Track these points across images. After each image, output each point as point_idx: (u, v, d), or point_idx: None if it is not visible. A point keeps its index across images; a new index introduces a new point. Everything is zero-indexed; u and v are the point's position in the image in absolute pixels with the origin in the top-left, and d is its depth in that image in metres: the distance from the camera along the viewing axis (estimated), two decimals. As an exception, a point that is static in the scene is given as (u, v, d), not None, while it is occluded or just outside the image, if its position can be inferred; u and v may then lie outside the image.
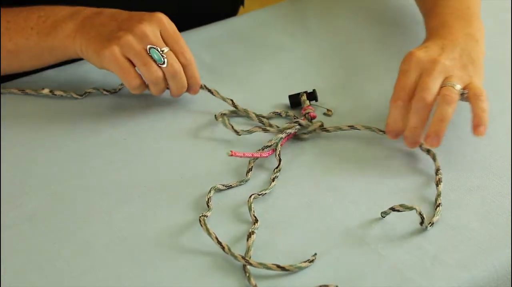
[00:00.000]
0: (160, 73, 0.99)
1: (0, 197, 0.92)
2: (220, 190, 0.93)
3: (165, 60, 0.99)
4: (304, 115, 1.02)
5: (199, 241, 0.86)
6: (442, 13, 1.05)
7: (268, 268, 0.82)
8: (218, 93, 1.05)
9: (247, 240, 0.85)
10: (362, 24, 1.22)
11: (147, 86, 1.01)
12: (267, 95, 1.07)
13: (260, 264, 0.82)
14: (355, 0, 1.27)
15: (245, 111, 1.03)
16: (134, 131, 1.02)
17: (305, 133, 1.00)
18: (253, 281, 0.81)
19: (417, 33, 1.15)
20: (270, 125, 1.01)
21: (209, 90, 1.05)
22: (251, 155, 0.95)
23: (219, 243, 0.85)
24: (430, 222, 0.87)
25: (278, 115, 1.03)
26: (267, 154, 0.96)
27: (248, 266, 0.83)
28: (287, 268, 0.82)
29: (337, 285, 0.80)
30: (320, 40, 1.19)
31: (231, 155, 0.92)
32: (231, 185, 0.93)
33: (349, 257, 0.84)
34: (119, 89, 1.07)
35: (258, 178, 0.95)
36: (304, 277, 0.82)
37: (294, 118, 1.01)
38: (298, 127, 0.99)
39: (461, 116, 0.98)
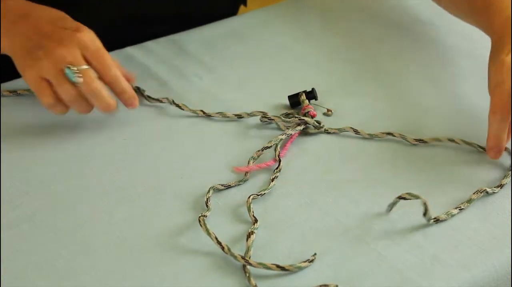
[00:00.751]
0: (72, 93, 0.97)
1: (0, 197, 0.92)
2: (219, 190, 0.93)
3: (77, 79, 0.97)
4: (304, 114, 1.02)
5: (199, 241, 0.86)
6: (503, 8, 1.00)
7: (267, 268, 0.82)
8: (186, 106, 1.04)
9: (247, 240, 0.85)
10: (362, 24, 1.22)
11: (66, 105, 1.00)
12: (267, 95, 1.07)
13: (260, 264, 0.82)
14: (355, 0, 1.27)
15: (221, 114, 1.03)
16: (134, 131, 1.02)
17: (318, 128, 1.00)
18: (253, 281, 0.81)
19: (417, 33, 1.15)
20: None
21: (177, 105, 1.04)
22: (257, 167, 0.95)
23: (219, 243, 0.85)
24: (435, 218, 0.87)
25: (285, 115, 1.03)
26: (272, 163, 0.96)
27: (248, 266, 0.83)
28: (286, 268, 0.82)
29: (337, 285, 0.80)
30: (320, 40, 1.19)
31: (238, 172, 0.92)
32: (230, 185, 0.93)
33: (349, 257, 0.84)
34: None
35: (258, 178, 0.95)
36: (304, 277, 0.82)
37: (299, 119, 1.01)
38: (300, 128, 1.00)
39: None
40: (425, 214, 0.86)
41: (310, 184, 0.94)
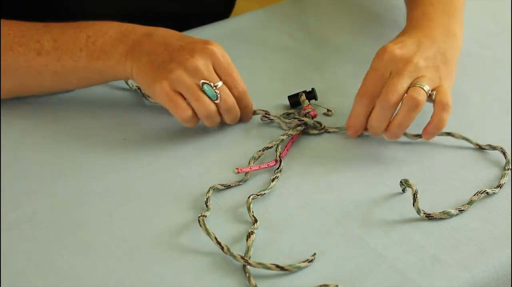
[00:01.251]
0: (213, 108, 0.96)
1: (0, 198, 0.92)
2: (219, 190, 0.93)
3: (219, 95, 0.96)
4: (305, 115, 1.02)
5: (199, 241, 0.86)
6: (424, 3, 1.04)
7: (267, 268, 0.82)
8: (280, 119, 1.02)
9: (247, 240, 0.85)
10: (362, 24, 1.22)
11: (199, 119, 0.98)
12: (267, 95, 1.07)
13: (259, 264, 0.82)
14: (355, 0, 1.27)
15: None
16: (134, 131, 1.02)
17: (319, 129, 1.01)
18: (253, 281, 0.81)
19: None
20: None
21: (270, 119, 1.03)
22: (258, 167, 0.95)
23: (218, 243, 0.85)
24: (428, 215, 0.88)
25: (287, 115, 1.03)
26: (273, 163, 0.96)
27: (248, 266, 0.83)
28: (286, 268, 0.82)
29: (337, 285, 0.80)
30: (320, 40, 1.19)
31: (238, 173, 0.92)
32: (229, 185, 0.93)
33: (349, 257, 0.84)
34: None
35: (258, 178, 0.95)
36: (304, 277, 0.82)
37: (298, 120, 1.01)
38: (300, 129, 1.00)
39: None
40: (413, 204, 0.87)
41: (310, 184, 0.93)
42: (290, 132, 0.99)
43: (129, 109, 1.04)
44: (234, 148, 0.99)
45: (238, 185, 0.94)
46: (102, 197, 0.92)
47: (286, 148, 0.98)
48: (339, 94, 1.07)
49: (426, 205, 0.89)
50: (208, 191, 0.91)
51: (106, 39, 0.99)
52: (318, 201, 0.91)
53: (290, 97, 1.05)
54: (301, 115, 1.02)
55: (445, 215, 0.88)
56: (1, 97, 1.02)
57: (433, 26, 1.01)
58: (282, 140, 0.98)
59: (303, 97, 1.04)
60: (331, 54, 1.16)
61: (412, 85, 0.94)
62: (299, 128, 1.00)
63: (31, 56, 0.99)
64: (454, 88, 1.07)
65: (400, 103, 0.94)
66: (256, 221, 0.88)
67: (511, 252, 0.84)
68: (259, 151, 0.97)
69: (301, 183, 0.94)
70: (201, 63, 0.95)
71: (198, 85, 0.95)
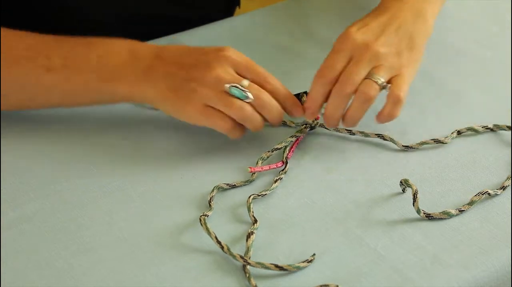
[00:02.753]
0: (248, 108, 0.93)
1: (0, 197, 0.92)
2: (224, 189, 0.93)
3: (248, 94, 0.93)
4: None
5: (200, 241, 0.86)
6: None
7: (266, 267, 0.82)
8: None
9: (247, 240, 0.85)
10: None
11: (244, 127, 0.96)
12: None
13: (259, 263, 0.82)
14: (355, 0, 1.27)
15: None
16: (134, 131, 1.02)
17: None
18: (253, 281, 0.81)
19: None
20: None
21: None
22: (268, 167, 0.95)
23: (219, 242, 0.85)
24: (428, 214, 0.88)
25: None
26: (280, 165, 0.95)
27: (248, 266, 0.83)
28: (285, 268, 0.82)
29: (337, 285, 0.80)
30: (320, 40, 1.18)
31: (251, 172, 0.92)
32: (235, 185, 0.93)
33: (349, 257, 0.84)
34: None
35: (261, 179, 0.95)
36: (305, 277, 0.82)
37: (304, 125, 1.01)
38: (306, 130, 1.00)
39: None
40: (413, 204, 0.88)
41: (310, 184, 0.94)
42: (297, 133, 0.99)
43: (129, 109, 1.04)
44: (235, 148, 0.99)
45: (244, 185, 0.94)
46: (102, 197, 0.92)
47: (292, 149, 0.98)
48: (339, 94, 1.07)
49: (426, 205, 0.89)
50: (213, 190, 0.91)
51: (117, 61, 0.96)
52: (318, 201, 0.91)
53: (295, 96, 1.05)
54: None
55: (445, 215, 0.88)
56: (7, 109, 1.00)
57: (403, 7, 1.00)
58: (291, 141, 0.98)
59: (304, 97, 1.04)
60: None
61: (367, 76, 0.94)
62: (305, 129, 1.00)
63: (39, 73, 0.96)
64: (454, 88, 1.07)
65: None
66: (256, 221, 0.88)
67: (511, 252, 0.84)
68: (268, 151, 0.97)
69: (301, 183, 0.94)
70: (221, 71, 0.93)
71: (225, 92, 0.93)
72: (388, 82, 0.95)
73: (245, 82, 0.94)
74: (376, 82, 0.93)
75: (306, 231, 0.87)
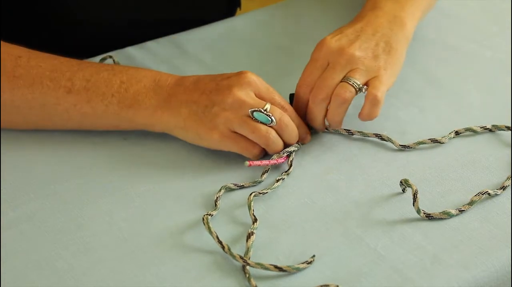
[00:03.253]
0: (273, 133, 0.94)
1: (0, 197, 0.92)
2: (231, 189, 0.93)
3: (272, 118, 0.93)
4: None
5: (200, 241, 0.86)
6: (375, 1, 1.04)
7: (265, 268, 0.82)
8: None
9: (247, 240, 0.85)
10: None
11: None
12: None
13: (258, 264, 0.82)
14: (355, 0, 1.27)
15: None
16: (134, 131, 1.02)
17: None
18: (253, 282, 0.81)
19: (415, 34, 1.15)
20: None
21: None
22: (268, 162, 0.94)
23: (220, 242, 0.85)
24: (428, 214, 0.88)
25: None
26: (283, 160, 0.96)
27: (248, 267, 0.83)
28: (284, 268, 0.82)
29: (337, 285, 0.80)
30: (320, 40, 1.18)
31: (249, 166, 0.92)
32: (243, 185, 0.93)
33: (349, 257, 0.84)
34: None
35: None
36: (304, 277, 0.82)
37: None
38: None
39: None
40: (413, 204, 0.88)
41: (310, 184, 0.94)
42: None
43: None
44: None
45: (253, 186, 0.93)
46: (102, 197, 0.92)
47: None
48: (339, 94, 1.07)
49: (426, 205, 0.89)
50: (220, 190, 0.91)
51: (139, 88, 0.96)
52: (318, 201, 0.91)
53: (291, 96, 1.05)
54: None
55: (445, 215, 0.88)
56: (25, 128, 0.99)
57: (380, 15, 1.01)
58: (300, 145, 0.98)
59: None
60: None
61: (343, 79, 0.95)
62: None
63: (60, 93, 0.95)
64: (454, 88, 1.07)
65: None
66: (256, 220, 0.88)
67: (511, 252, 0.85)
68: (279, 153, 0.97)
69: (301, 183, 0.94)
70: (243, 95, 0.93)
71: (249, 116, 0.93)
72: (366, 84, 0.96)
73: (268, 106, 0.94)
74: (352, 85, 0.95)
75: (306, 231, 0.87)
